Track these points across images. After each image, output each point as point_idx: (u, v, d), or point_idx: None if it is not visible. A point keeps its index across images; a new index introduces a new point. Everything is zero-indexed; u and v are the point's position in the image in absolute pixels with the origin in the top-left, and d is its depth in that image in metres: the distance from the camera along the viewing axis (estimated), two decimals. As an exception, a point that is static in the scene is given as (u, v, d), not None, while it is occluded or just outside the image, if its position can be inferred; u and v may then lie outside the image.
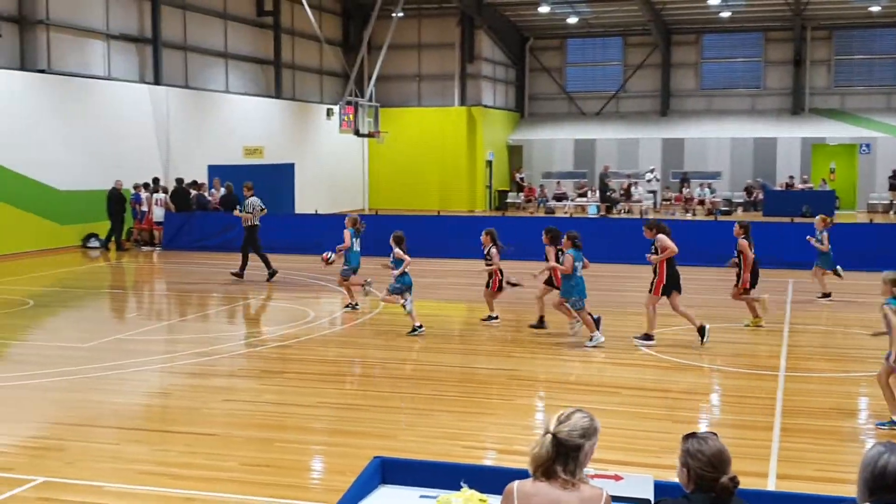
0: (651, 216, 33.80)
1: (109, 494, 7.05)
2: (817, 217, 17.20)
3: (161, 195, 25.77)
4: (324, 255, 15.54)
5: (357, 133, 34.60)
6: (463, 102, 41.26)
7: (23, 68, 24.59)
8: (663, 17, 41.70)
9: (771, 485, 7.27)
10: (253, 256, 18.79)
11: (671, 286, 12.41)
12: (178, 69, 30.59)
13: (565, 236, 12.65)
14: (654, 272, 12.53)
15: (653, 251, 12.49)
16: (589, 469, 3.91)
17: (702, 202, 38.44)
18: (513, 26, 44.20)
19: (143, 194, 25.87)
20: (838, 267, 16.82)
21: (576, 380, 11.16)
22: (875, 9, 37.76)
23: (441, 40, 41.47)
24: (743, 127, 41.45)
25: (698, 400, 10.26)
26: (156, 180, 26.55)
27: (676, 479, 3.99)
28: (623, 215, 36.45)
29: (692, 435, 3.90)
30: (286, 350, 12.52)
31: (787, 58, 42.01)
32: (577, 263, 12.41)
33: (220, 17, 32.68)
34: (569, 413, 3.76)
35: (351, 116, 33.98)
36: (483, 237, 14.09)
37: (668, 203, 39.31)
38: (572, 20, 41.49)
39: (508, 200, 41.60)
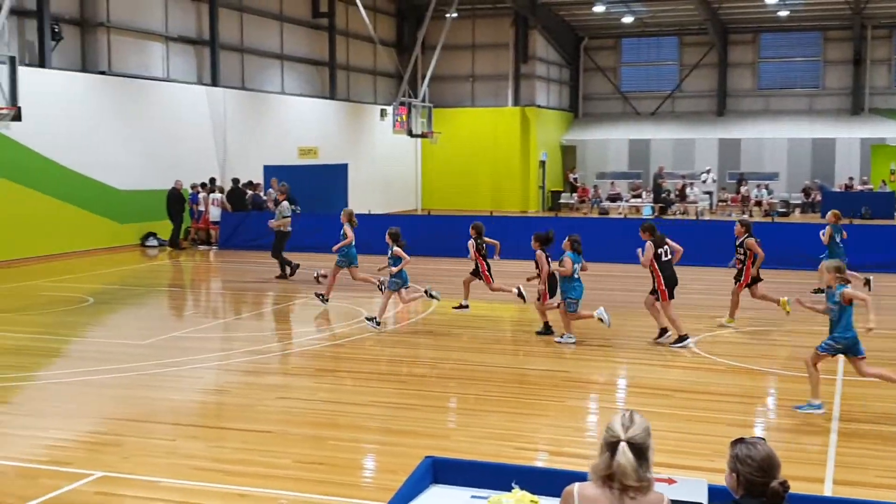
0: (707, 217, 33.46)
1: (165, 490, 7.17)
2: (829, 213, 17.08)
3: (217, 195, 26.12)
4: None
5: (410, 133, 34.73)
6: (516, 103, 41.19)
7: (84, 70, 25.10)
8: (720, 17, 41.21)
9: (828, 490, 7.15)
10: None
11: (672, 287, 12.57)
12: (235, 71, 30.98)
13: (566, 239, 12.78)
14: (652, 278, 12.61)
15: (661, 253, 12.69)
16: None
17: (759, 203, 37.92)
18: (567, 26, 44.02)
19: (201, 194, 26.26)
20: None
21: (627, 382, 11.09)
22: (939, 6, 36.96)
23: (495, 40, 41.44)
24: (801, 127, 40.81)
25: (753, 403, 10.13)
26: (212, 180, 26.93)
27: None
28: (678, 216, 36.08)
29: (741, 440, 3.88)
30: (339, 349, 12.62)
31: (847, 57, 41.27)
32: (575, 266, 12.59)
33: (277, 19, 33.02)
34: (629, 416, 3.74)
35: (404, 117, 34.12)
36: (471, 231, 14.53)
37: (725, 204, 38.85)
38: (627, 20, 41.19)
39: (562, 201, 41.42)
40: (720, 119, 42.96)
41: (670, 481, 4.42)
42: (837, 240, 16.36)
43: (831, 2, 38.97)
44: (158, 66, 27.65)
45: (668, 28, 43.47)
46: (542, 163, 42.07)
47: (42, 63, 23.29)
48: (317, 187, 31.20)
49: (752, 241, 13.75)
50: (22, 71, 19.54)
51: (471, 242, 14.47)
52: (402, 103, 34.21)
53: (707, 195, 38.59)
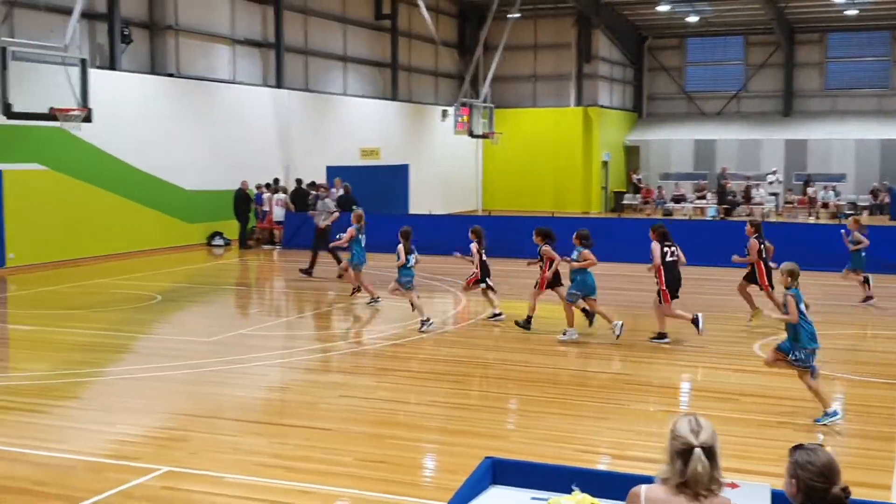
0: (773, 219, 32.96)
1: (229, 485, 7.28)
2: (850, 219, 17.01)
3: (281, 195, 26.44)
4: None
5: (471, 134, 34.76)
6: (579, 103, 40.98)
7: (153, 72, 25.60)
8: (786, 16, 40.51)
9: (894, 497, 7.01)
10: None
11: (670, 290, 12.68)
12: (299, 72, 31.33)
13: (575, 235, 13.00)
14: (656, 278, 12.77)
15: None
16: None
17: (825, 205, 37.18)
18: (631, 25, 43.66)
19: (265, 194, 26.61)
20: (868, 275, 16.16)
21: (690, 385, 10.98)
22: None
23: (557, 40, 41.28)
24: (869, 128, 39.92)
25: (818, 407, 9.94)
26: (276, 181, 27.26)
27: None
28: (744, 218, 35.55)
29: (800, 446, 3.85)
30: (399, 348, 12.69)
31: (918, 56, 40.29)
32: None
33: (340, 21, 33.31)
34: (695, 420, 3.72)
35: (466, 117, 34.16)
36: (470, 235, 14.66)
37: (791, 206, 38.17)
38: (692, 19, 40.71)
39: (625, 202, 41.09)
40: (786, 119, 42.23)
41: (733, 485, 4.38)
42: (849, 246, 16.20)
43: (903, -1, 38.08)
44: (225, 68, 28.08)
45: (733, 27, 42.86)
46: (605, 163, 41.79)
47: (112, 65, 23.82)
48: (378, 188, 31.40)
49: (754, 243, 13.85)
50: (93, 73, 19.97)
51: (474, 245, 14.52)
52: (463, 104, 34.25)
53: (773, 197, 37.96)
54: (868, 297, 15.95)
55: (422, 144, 37.77)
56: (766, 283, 13.89)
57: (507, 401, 10.02)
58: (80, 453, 8.05)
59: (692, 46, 44.77)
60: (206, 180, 26.20)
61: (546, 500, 4.68)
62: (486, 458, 5.24)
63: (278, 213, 26.26)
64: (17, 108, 17.81)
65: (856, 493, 3.79)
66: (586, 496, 4.57)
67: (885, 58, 41.38)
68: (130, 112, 23.77)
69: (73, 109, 18.72)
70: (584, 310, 13.38)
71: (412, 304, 13.88)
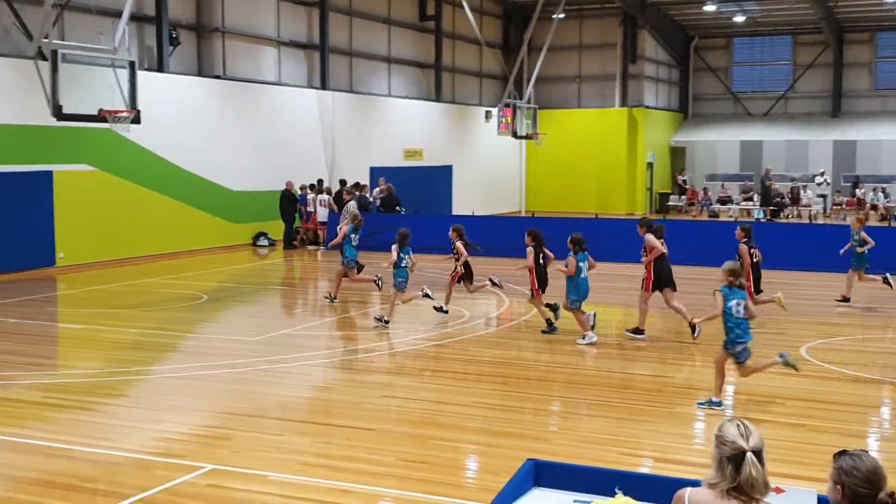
0: (820, 221, 32.52)
1: (273, 484, 7.34)
2: (853, 218, 16.87)
3: (325, 196, 26.60)
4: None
5: (515, 135, 34.70)
6: (624, 103, 40.73)
7: (200, 74, 25.89)
8: (835, 15, 39.90)
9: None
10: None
11: (663, 283, 12.86)
12: (344, 74, 31.49)
13: (569, 239, 12.97)
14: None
15: (644, 251, 12.99)
16: None
17: (875, 207, 36.57)
18: (677, 26, 43.31)
19: (309, 195, 26.80)
20: (887, 274, 15.81)
21: (736, 389, 10.85)
22: None
23: (602, 41, 41.07)
24: (922, 128, 39.22)
25: (867, 413, 9.80)
26: (320, 181, 27.44)
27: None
28: (791, 220, 35.09)
29: (844, 452, 3.80)
30: (442, 349, 12.70)
31: (973, 55, 39.49)
32: (580, 265, 12.81)
33: (384, 23, 33.43)
34: (743, 425, 3.68)
35: (509, 118, 34.11)
36: (451, 233, 14.88)
37: (839, 207, 37.61)
38: (739, 19, 40.28)
39: (670, 203, 40.76)
40: (835, 120, 41.60)
41: (779, 490, 4.33)
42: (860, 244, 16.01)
43: (957, -3, 37.35)
44: (271, 70, 28.32)
45: (781, 27, 42.33)
46: (650, 164, 41.49)
47: (160, 67, 24.13)
48: (421, 189, 31.47)
49: (743, 247, 13.77)
50: (141, 75, 20.25)
51: (459, 244, 14.72)
52: (507, 105, 34.20)
53: (821, 198, 37.42)
54: (845, 299, 15.90)
55: (465, 145, 37.79)
56: (752, 289, 13.67)
57: (549, 403, 9.98)
58: (128, 450, 8.16)
59: (739, 46, 44.29)
60: (252, 181, 26.44)
61: (589, 503, 4.66)
62: (529, 459, 5.23)
63: (322, 214, 26.42)
64: (67, 110, 18.11)
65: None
66: (629, 499, 4.55)
67: (937, 57, 40.66)
68: (177, 113, 24.06)
69: (122, 111, 18.98)
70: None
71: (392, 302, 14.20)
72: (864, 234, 15.75)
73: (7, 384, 10.56)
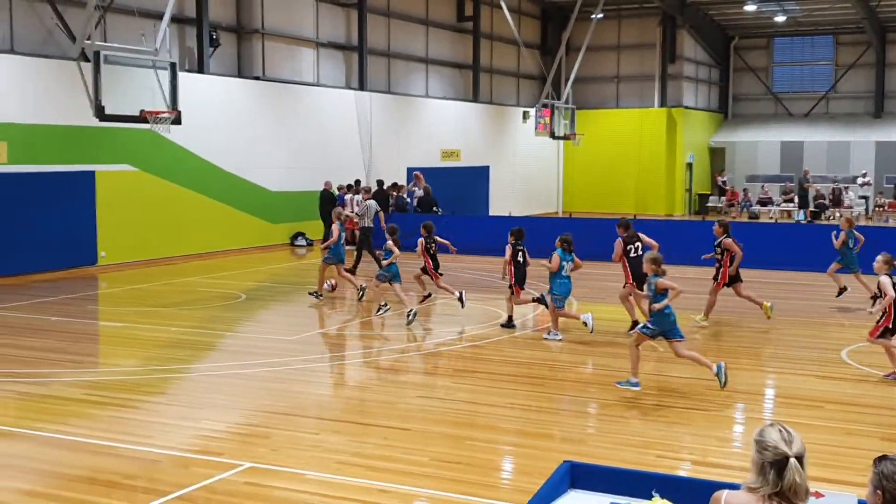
0: (863, 223, 32.09)
1: (310, 482, 7.38)
2: (842, 219, 17.15)
3: (361, 196, 26.65)
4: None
5: (553, 135, 34.60)
6: (663, 104, 40.48)
7: (239, 75, 26.11)
8: (878, 15, 39.36)
9: None
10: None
11: (635, 281, 13.33)
12: (382, 75, 31.60)
13: (558, 238, 13.38)
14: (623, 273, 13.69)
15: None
16: None
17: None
18: (717, 25, 42.96)
19: (347, 195, 26.88)
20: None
21: (775, 392, 10.75)
22: None
23: (641, 41, 40.85)
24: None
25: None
26: (357, 182, 27.53)
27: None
28: (833, 221, 34.67)
29: (885, 457, 3.75)
30: (479, 350, 12.70)
31: None
32: (563, 263, 13.14)
33: (422, 24, 33.50)
34: (786, 430, 3.65)
35: (547, 119, 34.02)
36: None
37: (881, 209, 37.09)
38: (780, 18, 39.88)
39: (709, 204, 40.44)
40: (877, 121, 41.02)
41: (818, 495, 4.29)
42: (851, 245, 16.07)
43: None
44: (309, 71, 28.49)
45: (822, 27, 41.83)
46: (689, 165, 41.20)
47: (200, 69, 24.36)
48: (458, 189, 31.49)
49: (729, 240, 14.07)
50: (182, 76, 20.45)
51: (420, 240, 15.41)
52: (545, 105, 34.11)
53: (863, 200, 36.93)
54: (842, 290, 16.21)
55: (502, 146, 37.75)
56: (723, 282, 14.23)
57: (586, 404, 9.95)
58: (168, 448, 8.26)
59: (780, 46, 43.84)
60: (290, 181, 26.62)
61: (625, 505, 4.64)
62: (565, 461, 5.22)
63: (371, 214, 26.44)
64: (109, 111, 18.33)
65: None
66: (666, 502, 4.52)
67: (983, 56, 39.96)
68: (217, 114, 24.29)
69: (163, 112, 19.19)
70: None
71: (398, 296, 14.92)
72: (857, 234, 16.03)
73: (49, 381, 10.73)
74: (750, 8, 37.93)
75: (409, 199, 27.54)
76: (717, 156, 43.30)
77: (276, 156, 26.33)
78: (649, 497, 4.59)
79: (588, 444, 8.49)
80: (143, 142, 21.92)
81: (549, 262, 13.21)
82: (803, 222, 33.82)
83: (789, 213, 36.76)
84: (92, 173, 20.94)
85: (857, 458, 7.90)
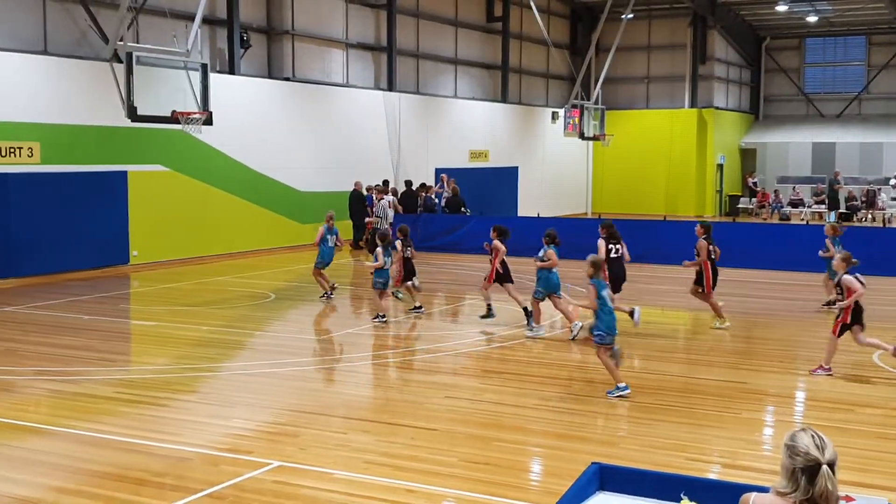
0: (895, 224, 31.76)
1: (338, 481, 7.41)
2: (826, 224, 16.96)
3: (390, 197, 26.73)
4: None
5: (582, 136, 34.49)
6: (693, 104, 40.25)
7: (270, 76, 26.25)
8: (914, 13, 38.93)
9: None
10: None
11: (613, 282, 13.17)
12: (410, 75, 31.65)
13: (545, 234, 13.69)
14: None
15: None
16: None
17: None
18: (748, 26, 42.66)
19: (375, 196, 26.94)
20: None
21: (806, 395, 10.65)
22: None
23: (671, 41, 40.65)
24: None
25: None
26: (385, 182, 27.59)
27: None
28: (865, 223, 34.33)
29: None
30: (506, 351, 12.69)
31: None
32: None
33: (451, 25, 33.51)
34: (818, 436, 3.61)
35: (576, 119, 33.92)
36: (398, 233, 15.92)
37: (916, 211, 36.67)
38: (812, 19, 39.52)
39: (740, 206, 40.16)
40: (912, 122, 40.58)
41: (849, 499, 4.26)
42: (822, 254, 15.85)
43: None
44: (339, 72, 28.59)
45: (855, 27, 41.41)
46: (720, 166, 40.92)
47: (231, 70, 24.52)
48: (487, 190, 31.47)
49: (703, 243, 13.98)
50: (213, 77, 20.58)
51: (398, 243, 15.53)
52: (574, 106, 34.02)
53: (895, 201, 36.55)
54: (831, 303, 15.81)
55: (531, 147, 37.69)
56: (710, 285, 14.08)
57: (616, 406, 9.91)
58: (198, 446, 8.31)
59: (811, 47, 43.46)
60: (319, 182, 26.73)
61: (654, 508, 4.62)
62: (593, 463, 5.20)
63: (387, 215, 26.53)
64: (141, 112, 18.49)
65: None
66: (695, 505, 4.50)
67: None
68: (247, 115, 24.43)
69: (195, 112, 19.33)
70: (524, 308, 14.07)
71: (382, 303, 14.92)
72: (832, 240, 15.79)
73: (81, 379, 10.84)
74: (781, 8, 37.62)
75: (437, 200, 27.57)
76: (747, 157, 43.00)
77: (305, 156, 26.45)
78: (678, 500, 4.56)
79: (617, 445, 8.45)
80: (174, 142, 22.10)
81: (546, 257, 13.50)
82: (836, 224, 33.44)
83: (821, 215, 36.42)
84: (124, 173, 21.13)
85: (890, 463, 7.82)
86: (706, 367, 11.78)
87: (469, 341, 13.61)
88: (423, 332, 14.46)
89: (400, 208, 26.43)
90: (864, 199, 36.54)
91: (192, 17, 20.41)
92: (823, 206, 36.78)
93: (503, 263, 14.32)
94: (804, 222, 33.05)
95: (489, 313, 14.61)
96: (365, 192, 26.91)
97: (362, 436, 8.66)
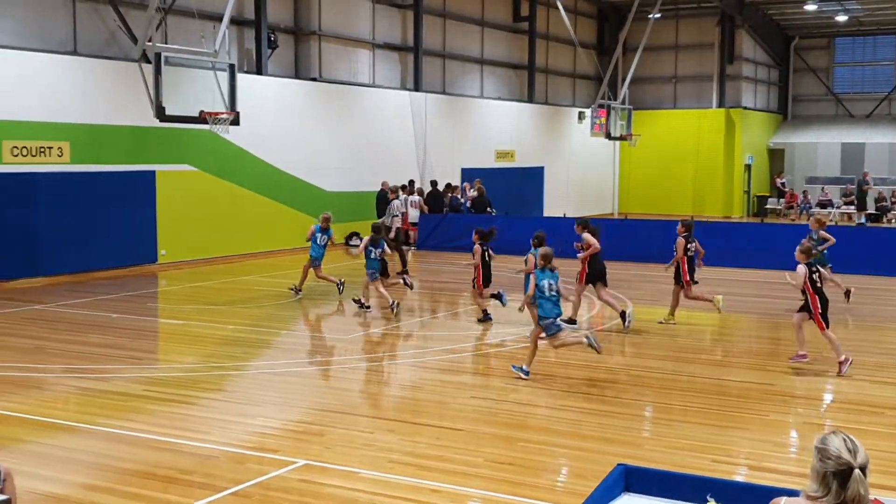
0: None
1: (363, 480, 7.43)
2: (811, 218, 17.14)
3: (416, 197, 26.78)
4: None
5: (609, 136, 34.38)
6: (721, 104, 40.01)
7: (297, 76, 26.36)
8: (946, 11, 38.51)
9: None
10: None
11: (595, 277, 14.01)
12: (437, 76, 31.68)
13: (533, 237, 13.57)
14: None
15: (580, 247, 14.14)
16: None
17: None
18: (776, 25, 42.34)
19: (401, 196, 26.99)
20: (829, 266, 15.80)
21: (834, 397, 10.57)
22: None
23: (699, 41, 40.42)
24: None
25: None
26: (411, 182, 27.64)
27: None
28: (894, 224, 33.97)
29: None
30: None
31: None
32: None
33: (478, 25, 33.51)
34: (850, 439, 3.57)
35: (603, 119, 33.82)
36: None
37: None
38: (841, 18, 39.17)
39: (768, 206, 39.88)
40: (944, 121, 40.14)
41: (876, 502, 4.22)
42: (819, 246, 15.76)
43: None
44: (365, 72, 28.66)
45: (885, 26, 40.99)
46: (748, 166, 40.65)
47: (259, 70, 24.64)
48: (513, 190, 31.44)
49: (681, 241, 14.18)
50: (240, 77, 20.70)
51: (476, 246, 15.42)
52: (601, 105, 33.92)
53: (927, 202, 36.14)
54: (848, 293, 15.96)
55: (557, 147, 37.61)
56: (688, 280, 14.24)
57: (641, 407, 9.87)
58: (224, 444, 8.36)
59: (841, 46, 43.08)
60: (345, 181, 26.81)
61: (679, 509, 4.61)
62: (619, 464, 5.20)
63: (413, 215, 26.60)
64: (169, 112, 18.62)
65: None
66: (721, 507, 4.48)
67: None
68: (274, 115, 24.55)
69: (222, 113, 19.44)
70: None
71: (365, 290, 15.65)
72: (823, 234, 16.00)
73: (110, 377, 10.94)
74: (810, 7, 37.32)
75: (462, 200, 27.58)
76: (776, 157, 42.69)
77: (331, 156, 26.54)
78: (704, 502, 4.55)
79: (643, 447, 8.42)
80: (202, 142, 22.24)
81: (525, 263, 13.54)
82: (865, 224, 33.17)
83: (850, 216, 36.08)
84: (152, 173, 21.29)
85: (919, 467, 7.75)
86: (732, 369, 11.71)
87: (494, 341, 13.60)
88: (448, 331, 14.46)
89: (426, 208, 26.47)
90: (893, 199, 36.15)
91: (220, 18, 20.53)
92: (852, 207, 36.44)
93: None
94: (833, 223, 32.77)
95: (487, 317, 14.67)
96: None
97: (388, 435, 8.69)
